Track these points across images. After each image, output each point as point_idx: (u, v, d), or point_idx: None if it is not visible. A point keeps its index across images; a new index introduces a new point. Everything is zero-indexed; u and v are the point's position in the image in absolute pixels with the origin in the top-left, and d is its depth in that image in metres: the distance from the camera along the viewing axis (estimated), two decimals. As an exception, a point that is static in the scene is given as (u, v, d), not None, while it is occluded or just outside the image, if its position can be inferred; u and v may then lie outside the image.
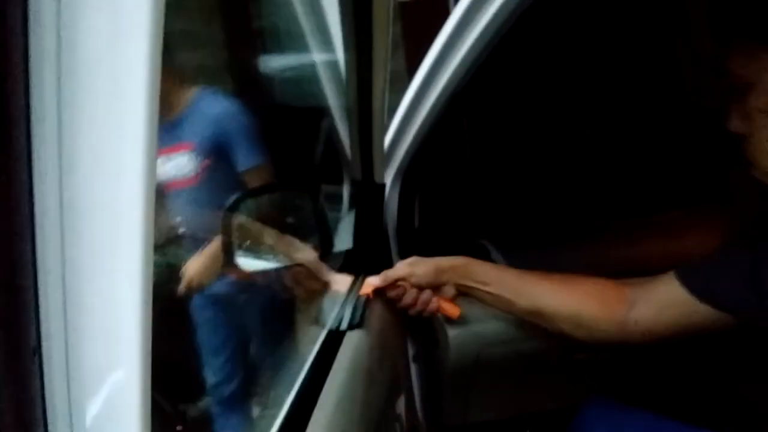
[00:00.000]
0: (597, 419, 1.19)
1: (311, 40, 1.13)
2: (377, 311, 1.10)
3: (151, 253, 0.35)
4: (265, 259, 1.17)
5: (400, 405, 1.08)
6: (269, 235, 1.18)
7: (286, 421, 0.76)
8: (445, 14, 1.17)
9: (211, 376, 2.17)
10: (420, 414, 1.43)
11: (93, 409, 0.36)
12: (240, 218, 1.12)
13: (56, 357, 0.35)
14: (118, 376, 0.36)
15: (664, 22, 1.54)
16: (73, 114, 0.33)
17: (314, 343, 0.93)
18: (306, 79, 1.23)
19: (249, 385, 2.16)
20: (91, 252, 0.34)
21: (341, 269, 1.26)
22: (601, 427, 1.18)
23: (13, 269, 0.32)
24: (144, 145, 0.33)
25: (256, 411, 2.11)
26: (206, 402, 2.18)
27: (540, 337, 1.32)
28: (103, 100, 0.33)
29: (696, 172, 1.49)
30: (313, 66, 1.20)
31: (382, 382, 0.97)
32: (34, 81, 0.32)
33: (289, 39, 1.16)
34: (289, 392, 0.80)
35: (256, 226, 1.15)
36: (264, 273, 1.21)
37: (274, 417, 0.75)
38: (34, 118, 0.32)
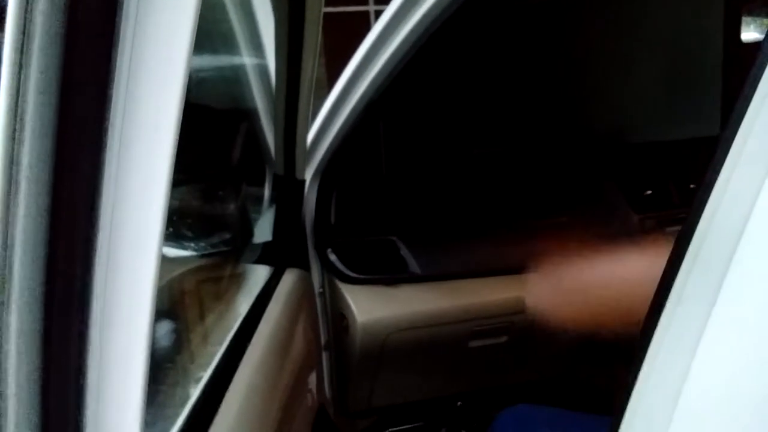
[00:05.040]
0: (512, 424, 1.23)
1: (242, 43, 1.21)
2: (294, 295, 1.20)
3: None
4: (187, 247, 1.24)
5: (312, 380, 1.17)
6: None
7: (209, 385, 0.84)
8: (365, 27, 1.29)
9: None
10: (329, 398, 1.52)
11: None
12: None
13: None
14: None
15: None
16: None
17: (237, 319, 1.01)
18: (233, 80, 1.31)
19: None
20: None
21: (260, 260, 1.33)
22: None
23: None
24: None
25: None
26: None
27: (443, 324, 1.45)
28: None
29: (580, 184, 1.67)
30: (240, 68, 1.28)
31: (295, 357, 1.07)
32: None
33: (218, 42, 1.23)
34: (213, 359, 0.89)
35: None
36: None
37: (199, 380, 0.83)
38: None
